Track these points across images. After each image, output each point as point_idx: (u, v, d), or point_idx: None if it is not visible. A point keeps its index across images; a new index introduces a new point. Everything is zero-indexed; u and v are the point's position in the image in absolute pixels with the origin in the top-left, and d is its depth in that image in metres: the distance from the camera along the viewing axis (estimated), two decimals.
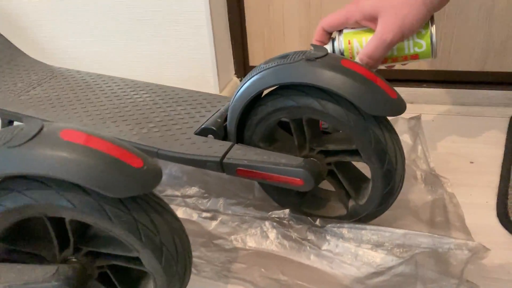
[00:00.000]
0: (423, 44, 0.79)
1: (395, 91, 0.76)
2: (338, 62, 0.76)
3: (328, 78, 0.75)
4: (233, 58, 1.54)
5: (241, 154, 0.88)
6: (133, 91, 1.15)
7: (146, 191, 0.61)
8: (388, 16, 0.73)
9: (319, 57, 0.77)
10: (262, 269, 0.87)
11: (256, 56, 1.53)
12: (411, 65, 1.41)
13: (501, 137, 1.20)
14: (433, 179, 1.04)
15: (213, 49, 1.41)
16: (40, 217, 0.65)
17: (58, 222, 0.65)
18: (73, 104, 1.12)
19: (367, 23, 0.79)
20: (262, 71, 0.81)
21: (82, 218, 0.61)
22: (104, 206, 0.60)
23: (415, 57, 0.81)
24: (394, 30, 0.74)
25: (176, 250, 0.66)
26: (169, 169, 1.12)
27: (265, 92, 0.86)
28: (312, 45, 0.81)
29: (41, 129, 0.58)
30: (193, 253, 0.91)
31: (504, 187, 1.02)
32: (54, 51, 1.57)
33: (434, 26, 0.79)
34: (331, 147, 0.85)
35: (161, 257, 0.64)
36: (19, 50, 1.40)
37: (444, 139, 1.21)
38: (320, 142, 0.87)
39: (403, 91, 1.42)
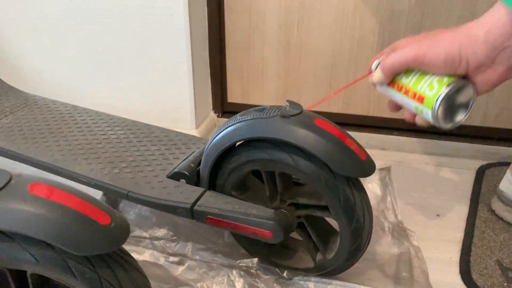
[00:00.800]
0: (434, 88, 0.63)
1: (365, 152, 0.78)
2: (311, 121, 0.78)
3: (301, 136, 0.76)
4: (212, 94, 1.55)
5: (212, 202, 0.88)
6: (108, 126, 1.14)
7: (112, 249, 0.60)
8: (427, 37, 0.63)
9: (293, 114, 0.79)
10: None
11: (234, 93, 1.55)
12: (383, 113, 1.45)
13: (467, 191, 1.24)
14: (400, 232, 1.06)
15: (191, 84, 1.42)
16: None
17: (21, 275, 0.63)
18: (45, 136, 1.10)
19: None
20: (238, 122, 0.83)
21: (45, 273, 0.60)
22: (68, 261, 0.59)
23: (421, 99, 0.65)
24: (420, 49, 0.62)
25: None
26: (138, 208, 1.11)
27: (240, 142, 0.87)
28: (288, 101, 0.83)
29: (9, 181, 0.57)
30: None
31: (467, 243, 1.05)
32: (30, 76, 1.55)
33: (465, 86, 0.62)
34: (302, 200, 0.86)
35: None
36: None
37: (412, 189, 1.24)
38: (291, 194, 0.88)
39: (375, 138, 1.45)
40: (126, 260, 0.65)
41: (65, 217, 0.56)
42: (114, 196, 1.11)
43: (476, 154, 1.39)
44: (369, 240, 0.85)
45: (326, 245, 0.89)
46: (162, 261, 0.98)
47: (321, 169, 0.79)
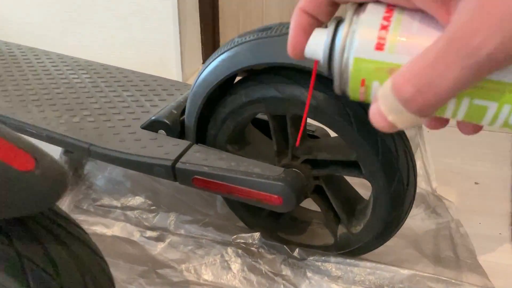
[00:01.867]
0: None
1: None
2: None
3: None
4: (202, 44, 1.32)
5: (200, 158, 0.66)
6: (71, 70, 0.91)
7: (37, 209, 0.38)
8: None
9: None
10: None
11: None
12: None
13: (506, 156, 1.03)
14: (435, 202, 0.85)
15: (177, 30, 1.18)
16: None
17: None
18: None
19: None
20: (235, 46, 0.60)
21: None
22: None
23: None
24: (498, 31, 0.23)
25: None
26: (108, 171, 0.88)
27: (238, 77, 0.65)
28: None
29: None
30: (130, 287, 0.69)
31: None
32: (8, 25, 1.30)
33: None
34: (322, 156, 0.64)
35: None
36: None
37: (445, 154, 1.03)
38: (306, 148, 0.66)
39: None
40: (68, 231, 0.42)
41: None
42: (75, 152, 0.89)
43: None
44: (411, 208, 0.63)
45: (351, 216, 0.68)
46: (136, 236, 0.77)
47: (353, 108, 0.56)
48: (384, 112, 0.25)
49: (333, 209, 0.68)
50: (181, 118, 0.71)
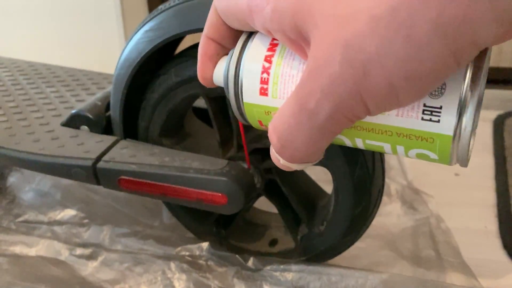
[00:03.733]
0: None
1: None
2: None
3: None
4: None
5: (127, 154, 0.55)
6: None
7: None
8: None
9: None
10: None
11: None
12: None
13: (486, 144, 0.95)
14: (412, 196, 0.75)
15: (121, 25, 1.08)
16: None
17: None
18: None
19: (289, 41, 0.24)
20: (158, 14, 0.50)
21: None
22: None
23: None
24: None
25: None
26: (36, 183, 0.76)
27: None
28: None
29: None
30: None
31: (504, 207, 0.75)
32: None
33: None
34: None
35: None
36: None
37: None
38: (255, 137, 0.56)
39: None
40: None
41: None
42: None
43: (491, 103, 1.10)
44: (380, 199, 0.53)
45: (312, 213, 0.57)
46: (65, 255, 0.64)
47: None
48: (275, 156, 0.25)
49: (291, 207, 0.57)
50: (108, 113, 0.60)
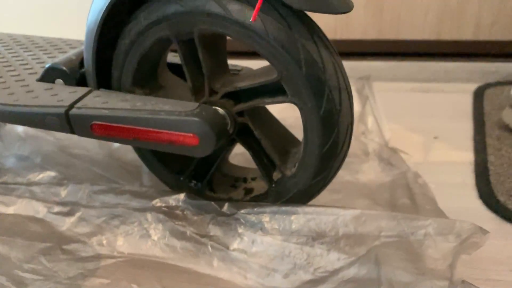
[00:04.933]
0: None
1: None
2: None
3: None
4: None
5: (100, 102, 0.56)
6: None
7: None
8: None
9: None
10: (134, 285, 0.53)
11: None
12: (353, 34, 1.16)
13: (466, 111, 0.96)
14: (390, 154, 0.76)
15: None
16: None
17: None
18: None
19: None
20: None
21: None
22: None
23: None
24: None
25: None
26: (16, 149, 0.76)
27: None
28: None
29: None
30: (26, 266, 0.56)
31: (482, 163, 0.76)
32: None
33: None
34: (243, 84, 0.54)
35: None
36: None
37: (398, 115, 0.94)
38: (225, 81, 0.56)
39: (345, 66, 1.16)
40: None
41: None
42: None
43: (471, 76, 1.12)
44: (350, 136, 0.54)
45: (284, 157, 0.58)
46: (43, 213, 0.65)
47: (267, 13, 0.47)
48: None
49: (265, 152, 0.58)
50: (83, 69, 0.61)
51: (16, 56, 0.71)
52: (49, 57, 0.70)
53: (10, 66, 0.67)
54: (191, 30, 0.52)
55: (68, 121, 0.55)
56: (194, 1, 0.49)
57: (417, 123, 0.91)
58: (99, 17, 0.53)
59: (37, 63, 0.68)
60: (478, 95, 1.03)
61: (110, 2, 0.52)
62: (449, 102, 1.01)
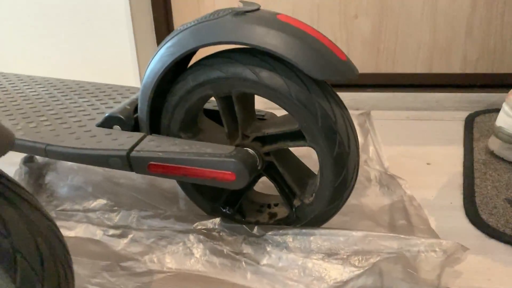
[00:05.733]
0: None
1: (343, 52, 0.61)
2: (274, 16, 0.60)
3: (261, 35, 0.59)
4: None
5: (154, 145, 0.69)
6: (27, 85, 0.93)
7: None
8: None
9: (249, 11, 0.61)
10: None
11: None
12: None
13: (457, 138, 1.09)
14: (388, 180, 0.89)
15: (134, 52, 1.22)
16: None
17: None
18: None
19: None
20: (178, 34, 0.64)
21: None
22: None
23: None
24: None
25: (41, 261, 0.44)
26: (70, 179, 0.89)
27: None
28: (241, 1, 0.65)
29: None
30: (93, 280, 0.69)
31: (469, 185, 0.89)
32: None
33: None
34: (269, 131, 0.68)
35: (14, 274, 0.42)
36: None
37: (395, 143, 1.08)
38: (255, 127, 0.70)
39: (347, 96, 1.29)
40: (17, 193, 0.44)
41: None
42: (30, 153, 0.89)
43: (459, 105, 1.25)
44: (357, 172, 0.67)
45: (303, 187, 0.71)
46: (99, 235, 0.77)
47: (290, 79, 0.61)
48: None
49: (286, 183, 0.71)
50: (135, 115, 0.74)
51: (73, 102, 0.84)
52: (101, 103, 0.83)
53: (70, 112, 0.80)
54: (230, 90, 0.65)
55: (129, 162, 0.68)
56: (234, 69, 0.63)
57: (412, 150, 1.04)
58: (155, 79, 0.67)
59: (93, 109, 0.81)
60: (469, 122, 1.16)
61: (164, 68, 0.65)
62: (440, 129, 1.15)
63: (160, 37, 1.33)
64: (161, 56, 0.65)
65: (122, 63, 1.24)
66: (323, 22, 1.25)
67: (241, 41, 0.59)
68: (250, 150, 0.68)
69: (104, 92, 0.88)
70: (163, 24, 1.31)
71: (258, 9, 0.62)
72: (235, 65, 0.63)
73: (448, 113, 1.23)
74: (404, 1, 1.20)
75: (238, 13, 0.60)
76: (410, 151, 1.04)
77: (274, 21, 0.59)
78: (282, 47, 0.58)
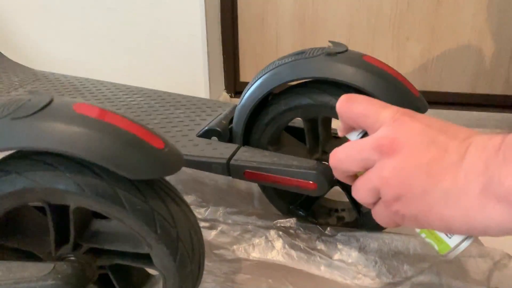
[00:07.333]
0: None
1: (417, 90, 0.74)
2: (360, 57, 0.74)
3: (351, 73, 0.72)
4: (224, 73, 1.51)
5: (248, 156, 0.83)
6: (126, 95, 1.09)
7: (168, 173, 0.54)
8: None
9: (339, 52, 0.74)
10: (270, 280, 0.80)
11: (247, 72, 1.51)
12: None
13: None
14: None
15: (206, 61, 1.37)
16: (32, 208, 0.57)
17: (59, 213, 0.57)
18: None
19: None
20: (277, 66, 0.78)
21: (91, 206, 0.54)
22: (118, 191, 0.53)
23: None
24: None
25: (192, 246, 0.59)
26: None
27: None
28: (331, 41, 0.79)
29: (51, 101, 0.52)
30: None
31: None
32: (33, 54, 1.49)
33: None
34: None
35: (176, 254, 0.57)
36: None
37: None
38: (333, 145, 0.83)
39: None
40: (177, 195, 0.59)
41: (117, 138, 0.51)
42: None
43: (500, 124, 1.36)
44: None
45: None
46: None
47: None
48: None
49: None
50: (229, 127, 0.89)
51: (171, 114, 0.98)
52: (195, 116, 0.97)
53: (171, 122, 0.95)
54: (316, 116, 0.79)
55: (228, 169, 0.82)
56: (322, 98, 0.76)
57: None
58: (254, 102, 0.81)
59: (190, 120, 0.96)
60: None
61: (263, 95, 0.79)
62: None
63: (226, 51, 1.47)
64: (261, 84, 0.79)
65: (194, 79, 1.39)
66: (377, 43, 1.38)
67: (334, 78, 0.73)
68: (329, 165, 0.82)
69: (195, 104, 1.02)
70: (230, 43, 1.46)
71: (346, 50, 0.75)
72: (323, 95, 0.76)
73: (489, 132, 1.34)
74: (454, 27, 1.31)
75: (331, 54, 0.74)
76: None
77: (360, 62, 0.73)
78: (367, 84, 0.71)
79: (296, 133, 0.89)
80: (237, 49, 1.48)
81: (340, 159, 0.47)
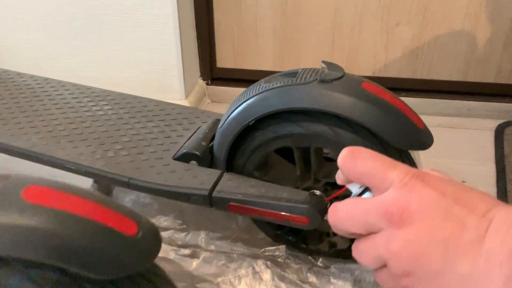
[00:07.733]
0: None
1: (421, 120, 0.66)
2: (359, 85, 0.65)
3: (348, 105, 0.63)
4: (199, 59, 1.38)
5: (233, 186, 0.74)
6: (91, 101, 0.97)
7: (142, 266, 0.46)
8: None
9: (335, 78, 0.65)
10: None
11: (224, 57, 1.39)
12: (390, 72, 1.34)
13: (489, 152, 1.16)
14: None
15: (179, 47, 1.24)
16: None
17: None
18: (16, 116, 0.92)
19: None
20: (264, 91, 0.68)
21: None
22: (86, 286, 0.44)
23: None
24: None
25: None
26: (136, 194, 0.96)
27: None
28: (324, 62, 0.69)
29: None
30: None
31: None
32: None
33: None
34: None
35: None
36: None
37: (431, 154, 1.14)
38: (326, 172, 0.75)
39: None
40: (157, 274, 0.51)
41: (81, 231, 0.41)
42: (107, 183, 0.95)
43: (491, 113, 1.31)
44: None
45: None
46: (172, 255, 0.85)
47: (370, 142, 0.66)
48: None
49: None
50: (210, 145, 0.79)
51: (143, 128, 0.88)
52: (171, 130, 0.87)
53: (143, 140, 0.85)
54: (309, 145, 0.70)
55: (210, 201, 0.74)
56: (315, 127, 0.68)
57: (447, 164, 1.11)
58: (237, 128, 0.71)
59: (164, 137, 0.85)
60: (499, 134, 1.22)
61: (248, 122, 0.70)
62: (473, 140, 1.21)
63: (200, 32, 1.34)
64: (245, 110, 0.70)
65: (166, 67, 1.27)
66: (365, 27, 1.27)
67: (328, 110, 0.64)
68: (322, 195, 0.74)
69: (169, 114, 0.92)
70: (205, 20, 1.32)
71: (343, 75, 0.66)
72: (317, 124, 0.68)
73: (478, 121, 1.29)
74: (447, 14, 1.22)
75: (326, 81, 0.64)
76: (445, 166, 1.11)
77: (359, 91, 0.64)
78: (367, 117, 0.63)
79: (286, 152, 0.81)
80: (213, 32, 1.35)
81: (341, 218, 0.40)
